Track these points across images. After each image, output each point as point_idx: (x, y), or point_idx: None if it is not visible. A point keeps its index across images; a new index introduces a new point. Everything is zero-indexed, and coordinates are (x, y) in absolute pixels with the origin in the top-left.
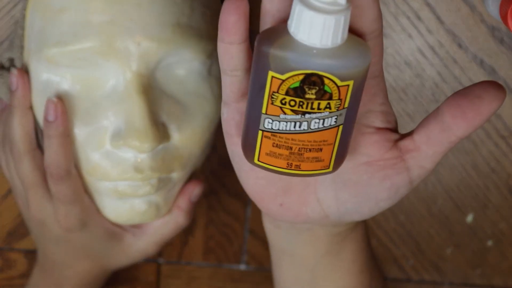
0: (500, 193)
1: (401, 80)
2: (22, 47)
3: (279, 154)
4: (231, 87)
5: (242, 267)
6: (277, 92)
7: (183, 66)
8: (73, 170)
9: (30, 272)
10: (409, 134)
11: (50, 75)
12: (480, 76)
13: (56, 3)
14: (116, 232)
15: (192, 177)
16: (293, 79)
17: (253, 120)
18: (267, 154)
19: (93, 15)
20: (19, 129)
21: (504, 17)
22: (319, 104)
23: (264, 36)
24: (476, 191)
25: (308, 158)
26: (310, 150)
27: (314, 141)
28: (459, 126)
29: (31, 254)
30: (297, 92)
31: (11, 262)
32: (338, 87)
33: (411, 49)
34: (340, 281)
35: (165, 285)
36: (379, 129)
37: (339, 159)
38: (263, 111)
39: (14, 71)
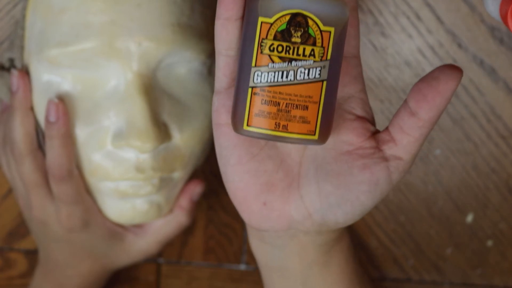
0: (500, 193)
1: (401, 80)
2: (22, 48)
3: (268, 113)
4: (224, 69)
5: (242, 267)
6: (266, 38)
7: (183, 66)
8: (75, 170)
9: (30, 272)
10: (385, 128)
11: (51, 75)
12: (480, 76)
13: (56, 3)
14: (118, 232)
15: (192, 176)
16: (280, 21)
17: (244, 79)
18: (256, 115)
19: (93, 15)
20: (20, 130)
21: (504, 17)
22: (304, 49)
23: None
24: (476, 191)
25: (295, 117)
26: (297, 106)
27: (300, 96)
28: (423, 108)
29: (31, 254)
30: (284, 35)
31: (11, 262)
32: (321, 31)
33: (411, 49)
34: None
35: (165, 285)
36: (358, 117)
37: (325, 127)
38: (253, 63)
39: (14, 72)
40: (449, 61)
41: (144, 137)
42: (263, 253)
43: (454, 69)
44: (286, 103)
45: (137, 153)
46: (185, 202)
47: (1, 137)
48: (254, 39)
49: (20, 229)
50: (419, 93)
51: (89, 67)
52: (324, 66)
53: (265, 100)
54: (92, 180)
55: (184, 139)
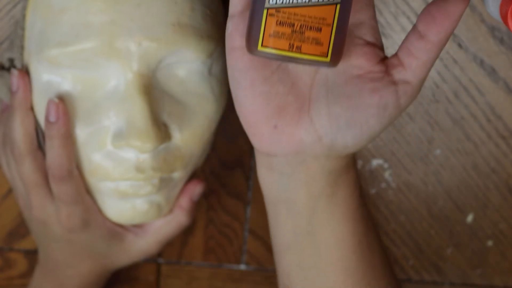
0: (500, 193)
1: None
2: (22, 48)
3: (282, 34)
4: None
5: (242, 267)
6: None
7: (183, 66)
8: (75, 170)
9: (30, 272)
10: (394, 54)
11: (51, 75)
12: (480, 76)
13: (56, 3)
14: (118, 231)
15: (192, 176)
16: None
17: (259, 1)
18: (270, 35)
19: (93, 15)
20: (20, 130)
21: (504, 17)
22: None
23: None
24: (476, 191)
25: (308, 38)
26: (310, 28)
27: (315, 18)
28: (431, 31)
29: (31, 254)
30: None
31: (11, 262)
32: None
33: None
34: (337, 229)
35: (165, 285)
36: (368, 43)
37: (337, 50)
38: None
39: (14, 72)
40: (449, 61)
41: (144, 137)
42: (271, 183)
43: None
44: (301, 25)
45: (137, 153)
46: (185, 202)
47: (1, 137)
48: None
49: (20, 229)
50: (428, 15)
51: (89, 67)
52: None
53: (280, 21)
54: (92, 180)
55: (184, 139)
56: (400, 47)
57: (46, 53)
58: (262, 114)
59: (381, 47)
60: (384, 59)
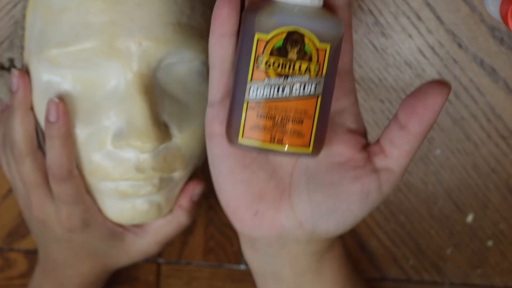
0: (500, 193)
1: (401, 80)
2: (22, 48)
3: (263, 127)
4: (218, 83)
5: (242, 267)
6: (262, 53)
7: (183, 65)
8: (75, 170)
9: (30, 272)
10: (376, 141)
11: (51, 75)
12: (480, 76)
13: (56, 3)
14: (118, 231)
15: (192, 176)
16: (277, 38)
17: (239, 93)
18: (251, 128)
19: (93, 15)
20: (20, 130)
21: (504, 17)
22: (300, 65)
23: (251, 7)
24: (476, 191)
25: (289, 130)
26: (292, 120)
27: (296, 110)
28: (412, 122)
29: (31, 254)
30: (281, 51)
31: (11, 262)
32: (317, 48)
33: (411, 49)
34: None
35: (165, 285)
36: (350, 130)
37: (318, 141)
38: (249, 78)
39: (14, 72)
40: (449, 61)
41: (144, 137)
42: (255, 260)
43: (442, 84)
44: (282, 117)
45: (137, 153)
46: (185, 202)
47: (1, 137)
48: (250, 54)
49: (20, 229)
50: (408, 106)
51: (89, 67)
52: (319, 82)
53: (261, 114)
54: (92, 180)
55: (184, 139)
56: (382, 135)
57: (46, 53)
58: (242, 201)
59: (363, 133)
60: (366, 146)
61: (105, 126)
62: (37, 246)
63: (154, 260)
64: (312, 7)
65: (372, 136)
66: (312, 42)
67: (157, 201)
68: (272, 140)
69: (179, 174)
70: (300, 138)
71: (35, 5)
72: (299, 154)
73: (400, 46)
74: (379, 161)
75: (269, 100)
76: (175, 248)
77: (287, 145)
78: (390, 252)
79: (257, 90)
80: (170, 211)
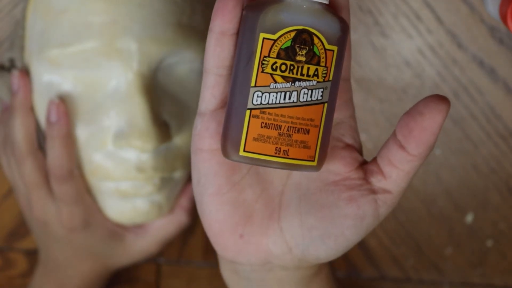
0: (500, 193)
1: (401, 80)
2: (22, 48)
3: (268, 137)
4: (214, 89)
5: None
6: (268, 55)
7: (184, 66)
8: (76, 170)
9: (31, 272)
10: (373, 159)
11: (51, 76)
12: (480, 76)
13: (57, 4)
14: (118, 232)
15: None
16: (284, 37)
17: (240, 101)
18: (254, 139)
19: (94, 16)
20: (21, 131)
21: (503, 17)
22: (308, 69)
23: (254, 5)
24: (476, 191)
25: (296, 141)
26: (298, 130)
27: (303, 119)
28: (410, 144)
29: (31, 254)
30: (288, 53)
31: (11, 262)
32: (325, 50)
33: (411, 49)
34: None
35: (165, 285)
36: (347, 145)
37: (323, 152)
38: (252, 83)
39: (15, 72)
40: (449, 61)
41: (145, 137)
42: (237, 286)
43: (439, 101)
44: (288, 127)
45: (138, 153)
46: (185, 201)
47: (2, 137)
48: (254, 56)
49: (20, 229)
50: (405, 127)
51: (90, 67)
52: (326, 87)
53: (266, 123)
54: (93, 180)
55: (184, 139)
56: (380, 153)
57: (46, 54)
58: (227, 223)
59: (359, 149)
60: (362, 163)
61: (106, 126)
62: (37, 246)
63: (154, 260)
64: (320, 5)
65: (372, 136)
66: (321, 43)
67: (158, 201)
68: (277, 152)
69: (179, 174)
70: (306, 150)
71: (35, 6)
72: (303, 167)
73: (400, 46)
74: (377, 182)
75: (275, 107)
76: (175, 248)
77: (292, 158)
78: (390, 252)
79: (262, 96)
80: (171, 211)
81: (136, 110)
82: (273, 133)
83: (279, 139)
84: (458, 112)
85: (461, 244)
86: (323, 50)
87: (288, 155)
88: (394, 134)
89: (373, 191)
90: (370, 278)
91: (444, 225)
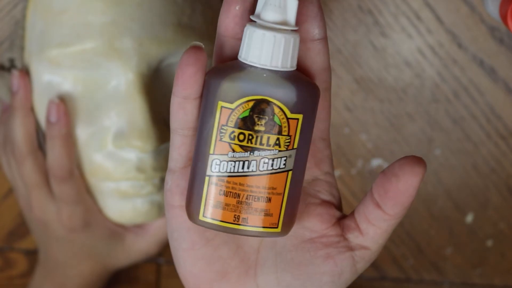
0: (500, 193)
1: (401, 80)
2: (22, 48)
3: (226, 205)
4: (180, 149)
5: None
6: (226, 124)
7: None
8: (76, 170)
9: (31, 272)
10: (351, 213)
11: (51, 76)
12: (480, 76)
13: (57, 4)
14: (118, 232)
15: None
16: (242, 107)
17: (200, 166)
18: (213, 206)
19: (94, 16)
20: (21, 131)
21: (503, 17)
22: (268, 138)
23: (215, 70)
24: (476, 191)
25: (256, 210)
26: (258, 199)
27: (263, 187)
28: (386, 204)
29: (31, 254)
30: (246, 123)
31: (11, 262)
32: (287, 119)
33: (411, 49)
34: None
35: (165, 285)
36: (323, 201)
37: (288, 218)
38: (211, 150)
39: (15, 72)
40: (449, 61)
41: (145, 137)
42: None
43: (415, 164)
44: (247, 195)
45: (138, 153)
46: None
47: (2, 137)
48: (213, 124)
49: (20, 229)
50: (381, 187)
51: (90, 67)
52: (290, 156)
53: (224, 191)
54: (93, 180)
55: None
56: (357, 209)
57: (46, 54)
58: (202, 278)
59: (337, 205)
60: (340, 218)
61: (106, 126)
62: (37, 246)
63: (154, 260)
64: (284, 72)
65: (372, 136)
66: (282, 112)
67: (158, 201)
68: (236, 219)
69: None
70: (268, 217)
71: (35, 6)
72: (266, 234)
73: (400, 46)
74: (354, 238)
75: (233, 175)
76: None
77: (253, 226)
78: (390, 252)
79: (219, 164)
80: None
81: (136, 110)
82: (232, 201)
83: (237, 207)
84: (458, 112)
85: (461, 244)
86: (284, 120)
87: (247, 223)
88: (371, 192)
89: (351, 248)
90: (370, 278)
91: (444, 225)
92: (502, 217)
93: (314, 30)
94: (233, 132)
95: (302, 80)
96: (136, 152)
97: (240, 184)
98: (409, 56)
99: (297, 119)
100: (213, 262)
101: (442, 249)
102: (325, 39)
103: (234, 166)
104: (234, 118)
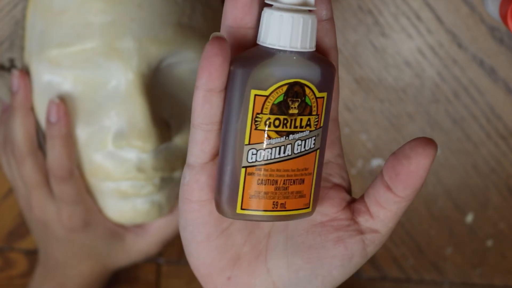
0: (500, 193)
1: (401, 80)
2: (22, 48)
3: (265, 193)
4: (203, 145)
5: None
6: (261, 112)
7: (184, 66)
8: (76, 170)
9: (30, 272)
10: (361, 197)
11: (51, 76)
12: (480, 76)
13: (57, 4)
14: (118, 232)
15: None
16: (277, 92)
17: (234, 159)
18: (251, 197)
19: (94, 16)
20: (21, 131)
21: (503, 17)
22: (301, 120)
23: (241, 59)
24: (476, 191)
25: (292, 193)
26: (294, 182)
27: (298, 170)
28: (397, 186)
29: (31, 254)
30: (281, 107)
31: (11, 262)
32: (316, 98)
33: (411, 49)
34: None
35: (165, 285)
36: (334, 185)
37: (316, 197)
38: (246, 141)
39: (15, 72)
40: (449, 61)
41: (145, 137)
42: None
43: (426, 145)
44: (284, 180)
45: (138, 153)
46: None
47: (2, 137)
48: (246, 114)
49: (20, 229)
50: (392, 170)
51: (90, 67)
52: (318, 135)
53: (262, 180)
54: (93, 180)
55: (184, 139)
56: (368, 192)
57: (46, 54)
58: (215, 267)
59: (347, 188)
60: (350, 202)
61: (106, 126)
62: (37, 246)
63: (154, 260)
64: (309, 53)
65: (372, 136)
66: (312, 92)
67: (158, 201)
68: (275, 206)
69: (179, 174)
70: (302, 199)
71: (35, 6)
72: (300, 215)
73: (400, 46)
74: (364, 222)
75: (270, 163)
76: (175, 248)
77: (290, 209)
78: (390, 252)
79: (256, 154)
80: (171, 211)
81: (136, 110)
82: (270, 188)
83: (276, 193)
84: (458, 112)
85: (461, 244)
86: (314, 99)
87: (285, 208)
88: (381, 174)
89: (361, 231)
90: (370, 278)
91: (444, 225)
92: (502, 217)
93: (322, 11)
94: (268, 119)
95: (323, 59)
96: (136, 152)
97: (277, 170)
98: (409, 56)
99: (323, 97)
100: (226, 251)
101: (442, 249)
102: (332, 19)
103: (270, 153)
104: (269, 104)
